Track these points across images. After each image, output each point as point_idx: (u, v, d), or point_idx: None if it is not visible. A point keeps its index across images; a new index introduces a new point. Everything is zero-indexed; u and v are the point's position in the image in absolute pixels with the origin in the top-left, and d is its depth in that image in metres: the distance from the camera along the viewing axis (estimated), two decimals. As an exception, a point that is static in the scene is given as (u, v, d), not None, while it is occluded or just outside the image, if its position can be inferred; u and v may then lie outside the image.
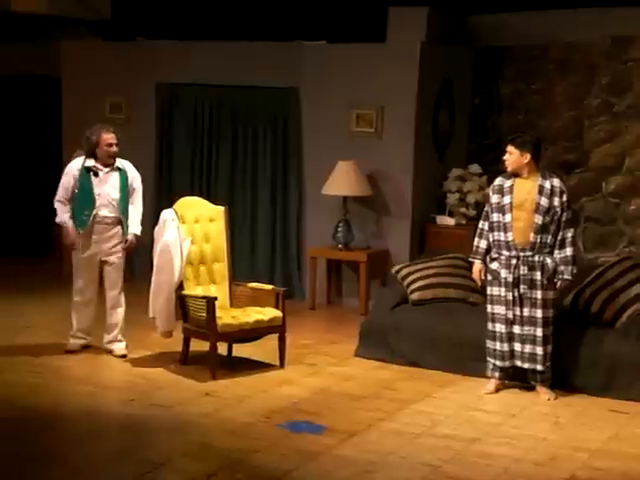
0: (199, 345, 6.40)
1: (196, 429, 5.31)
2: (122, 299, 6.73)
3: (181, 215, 6.53)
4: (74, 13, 9.19)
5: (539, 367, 5.95)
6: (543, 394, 5.99)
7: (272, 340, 6.50)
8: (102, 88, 9.28)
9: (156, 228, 6.54)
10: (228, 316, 6.34)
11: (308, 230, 8.71)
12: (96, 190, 6.53)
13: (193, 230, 6.59)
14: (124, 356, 6.64)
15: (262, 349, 6.63)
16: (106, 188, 6.55)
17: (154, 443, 5.19)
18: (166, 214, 6.50)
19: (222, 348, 6.46)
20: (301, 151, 8.67)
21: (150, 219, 7.68)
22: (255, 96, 8.74)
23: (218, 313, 6.23)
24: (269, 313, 6.44)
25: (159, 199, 8.89)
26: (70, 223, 6.58)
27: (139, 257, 8.41)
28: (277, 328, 6.46)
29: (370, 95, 8.27)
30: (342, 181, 8.13)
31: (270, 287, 6.73)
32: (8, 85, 10.27)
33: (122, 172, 6.62)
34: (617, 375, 6.01)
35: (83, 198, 6.52)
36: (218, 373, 6.22)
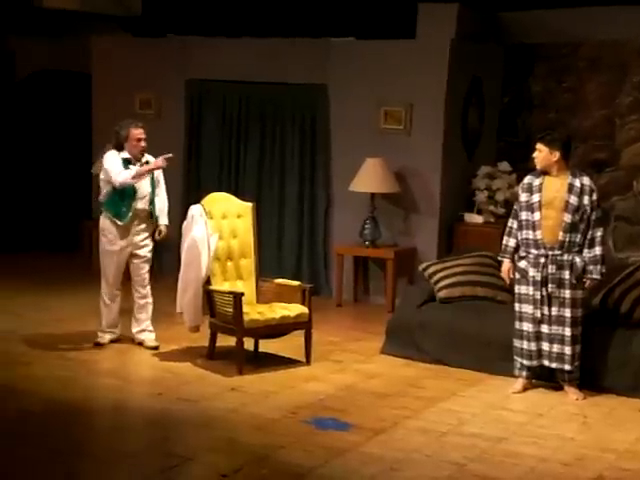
0: (226, 340, 6.43)
1: (222, 424, 5.33)
2: (150, 291, 6.80)
3: (209, 211, 6.55)
4: (105, 9, 9.27)
5: (567, 367, 5.90)
6: (571, 394, 5.95)
7: (298, 336, 6.51)
8: (132, 84, 9.34)
9: (184, 223, 6.58)
10: (255, 312, 6.35)
11: (335, 227, 8.70)
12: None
13: (221, 226, 6.62)
14: (156, 348, 6.70)
15: (288, 345, 6.64)
16: (141, 181, 6.62)
17: (181, 437, 5.22)
18: (194, 210, 6.53)
19: (249, 343, 6.47)
20: (329, 148, 8.67)
21: (178, 215, 7.73)
22: (284, 93, 8.75)
23: (245, 309, 6.24)
24: (295, 309, 6.45)
25: (187, 195, 8.93)
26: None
27: (168, 252, 8.46)
28: (303, 324, 6.47)
29: (399, 92, 8.24)
30: (370, 178, 8.12)
31: (297, 283, 6.74)
32: (39, 81, 10.36)
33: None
34: (647, 376, 5.95)
35: (123, 190, 6.57)
36: (244, 368, 6.24)
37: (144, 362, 6.53)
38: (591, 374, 6.01)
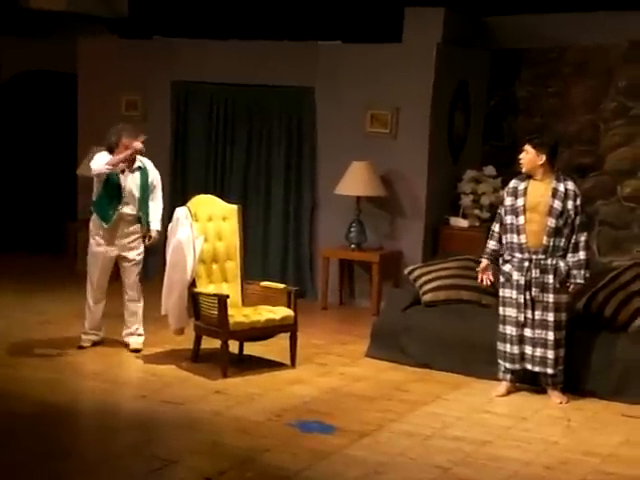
0: (210, 343, 6.42)
1: (207, 427, 5.32)
2: (141, 294, 6.77)
3: (194, 213, 6.54)
4: (92, 10, 9.23)
5: (549, 371, 5.93)
6: (555, 397, 5.97)
7: (283, 339, 6.51)
8: (118, 85, 9.31)
9: (169, 226, 6.56)
10: (240, 314, 6.35)
11: (321, 230, 8.71)
12: (122, 186, 6.58)
13: (206, 228, 6.61)
14: (137, 350, 6.68)
15: (273, 348, 6.64)
16: (130, 185, 6.59)
17: (165, 440, 5.21)
18: (179, 212, 6.52)
19: (233, 346, 6.46)
20: (315, 151, 8.67)
21: (164, 217, 7.71)
22: (270, 95, 8.75)
23: (230, 311, 6.24)
24: (281, 312, 6.45)
25: (173, 197, 8.89)
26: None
27: (153, 255, 8.43)
28: (288, 327, 6.47)
29: (385, 96, 8.26)
30: (356, 181, 8.13)
31: (282, 286, 6.74)
32: (25, 81, 10.31)
33: (143, 170, 6.67)
34: (630, 379, 5.98)
35: (110, 193, 6.55)
36: (229, 371, 6.24)
37: (129, 364, 6.51)
38: (575, 378, 6.04)
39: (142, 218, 6.66)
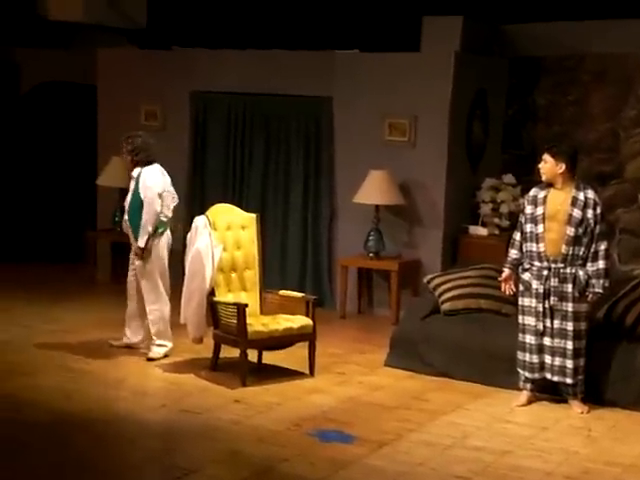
0: (229, 352, 6.42)
1: (226, 436, 5.32)
2: (152, 305, 6.73)
3: (213, 222, 6.55)
4: (110, 22, 9.31)
5: (568, 380, 5.88)
6: (576, 407, 5.93)
7: (302, 348, 6.49)
8: (137, 96, 9.36)
9: (188, 235, 6.58)
10: (258, 323, 6.35)
11: (339, 239, 8.70)
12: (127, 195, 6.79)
13: (225, 237, 6.62)
14: (151, 359, 6.69)
15: (292, 357, 6.63)
16: (129, 195, 6.73)
17: (184, 449, 5.21)
18: (198, 221, 6.53)
19: (252, 355, 6.47)
20: (333, 160, 8.67)
21: (185, 226, 7.73)
22: (288, 105, 8.76)
23: (248, 320, 6.24)
24: (299, 321, 6.44)
25: (192, 206, 8.93)
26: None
27: (173, 265, 8.45)
28: (307, 336, 6.46)
29: (403, 104, 8.25)
30: (374, 190, 8.12)
31: (300, 295, 6.74)
32: (45, 92, 10.39)
33: (137, 180, 6.70)
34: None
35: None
36: (248, 380, 6.23)
37: (148, 373, 6.52)
38: (596, 387, 5.99)
39: (130, 226, 6.71)
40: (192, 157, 9.22)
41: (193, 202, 9.03)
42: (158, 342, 6.76)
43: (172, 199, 6.77)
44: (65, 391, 6.02)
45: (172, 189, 6.79)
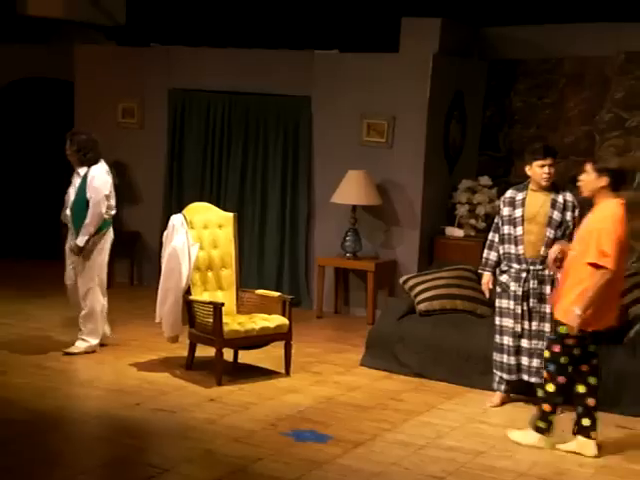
0: (205, 351, 6.41)
1: (200, 435, 5.30)
2: (86, 301, 6.69)
3: (190, 220, 6.54)
4: (89, 18, 9.25)
5: (546, 381, 5.91)
6: (549, 408, 5.96)
7: (278, 347, 6.49)
8: (115, 92, 9.32)
9: (165, 233, 6.56)
10: (234, 322, 6.34)
11: (317, 238, 8.71)
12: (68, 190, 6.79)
13: (202, 236, 6.60)
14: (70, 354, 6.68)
15: (268, 356, 6.63)
16: (71, 190, 6.73)
17: (158, 448, 5.20)
18: (175, 219, 6.51)
19: (228, 354, 6.45)
20: (311, 159, 8.68)
21: (159, 224, 7.71)
22: (267, 104, 8.76)
23: (225, 319, 6.23)
24: (275, 320, 6.44)
25: (169, 204, 8.90)
26: None
27: (148, 262, 8.43)
28: (283, 335, 6.46)
29: (381, 105, 8.27)
30: (352, 190, 8.13)
31: (277, 294, 6.73)
32: (22, 88, 10.31)
33: (84, 179, 6.68)
34: (624, 391, 5.97)
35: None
36: (223, 379, 6.22)
37: (122, 372, 6.49)
38: (570, 389, 6.02)
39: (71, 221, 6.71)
40: (170, 155, 9.17)
41: (170, 200, 9.00)
42: (83, 337, 6.74)
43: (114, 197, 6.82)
44: (39, 389, 5.98)
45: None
